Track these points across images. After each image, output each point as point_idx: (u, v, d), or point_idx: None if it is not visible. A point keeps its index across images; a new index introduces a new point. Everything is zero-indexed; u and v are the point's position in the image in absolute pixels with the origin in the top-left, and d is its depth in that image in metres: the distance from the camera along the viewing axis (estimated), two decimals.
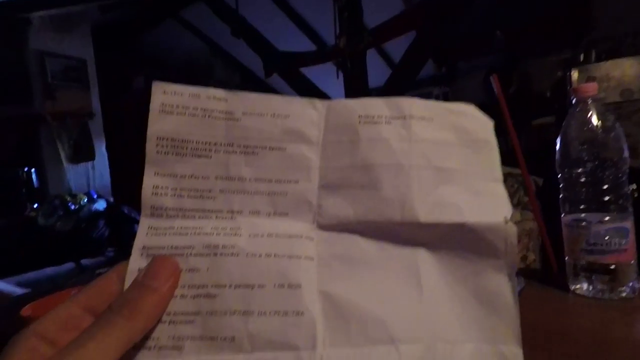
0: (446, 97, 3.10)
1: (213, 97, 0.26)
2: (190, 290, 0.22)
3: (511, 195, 1.14)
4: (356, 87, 2.24)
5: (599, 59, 2.25)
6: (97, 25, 2.59)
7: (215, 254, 0.23)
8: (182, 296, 0.22)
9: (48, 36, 2.32)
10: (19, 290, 0.81)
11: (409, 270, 0.25)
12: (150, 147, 0.25)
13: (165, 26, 2.92)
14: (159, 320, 0.21)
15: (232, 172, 0.25)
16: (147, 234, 0.23)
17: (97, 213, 1.63)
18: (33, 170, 1.86)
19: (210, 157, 0.25)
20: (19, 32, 2.21)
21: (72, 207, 1.60)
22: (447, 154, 0.27)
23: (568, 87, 2.22)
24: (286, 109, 0.27)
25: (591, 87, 0.46)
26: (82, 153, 2.35)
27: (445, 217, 0.25)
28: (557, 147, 0.49)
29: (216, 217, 0.24)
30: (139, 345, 0.20)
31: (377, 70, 2.67)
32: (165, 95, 0.25)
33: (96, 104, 2.53)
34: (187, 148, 0.25)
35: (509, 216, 0.25)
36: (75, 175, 2.32)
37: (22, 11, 2.06)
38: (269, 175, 0.25)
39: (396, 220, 0.25)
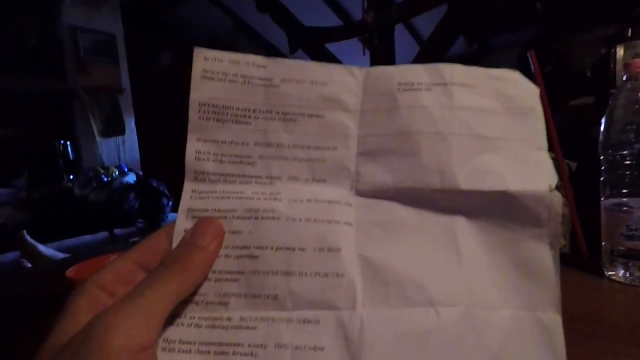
0: None
1: (252, 64, 0.26)
2: (234, 250, 0.23)
3: None
4: (383, 64, 2.18)
5: None
6: (125, 0, 2.61)
7: (257, 218, 0.24)
8: (227, 256, 0.23)
9: (79, 11, 2.36)
10: (60, 255, 0.87)
11: (447, 237, 0.25)
12: (193, 113, 0.25)
13: (191, 1, 2.91)
14: (205, 278, 0.22)
15: (270, 139, 0.25)
16: (191, 197, 0.24)
17: (128, 186, 1.69)
18: (69, 143, 1.95)
19: (250, 123, 0.25)
20: (52, 8, 2.26)
21: (105, 179, 1.67)
22: (490, 122, 0.26)
23: (611, 65, 2.08)
24: (324, 76, 0.27)
25: None
26: (113, 127, 2.43)
27: (486, 184, 0.24)
28: (602, 127, 0.47)
29: (256, 182, 0.25)
30: (188, 300, 0.22)
31: (405, 47, 2.58)
32: (206, 62, 0.26)
33: (125, 80, 2.59)
34: (227, 114, 0.25)
35: (554, 184, 0.24)
36: (106, 148, 2.41)
37: None
38: (307, 142, 0.26)
39: (435, 187, 0.25)
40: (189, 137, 0.25)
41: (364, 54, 2.38)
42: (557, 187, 0.24)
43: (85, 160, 2.27)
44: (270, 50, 3.65)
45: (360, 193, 0.26)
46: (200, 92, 0.25)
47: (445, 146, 0.25)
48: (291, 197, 0.25)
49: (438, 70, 0.27)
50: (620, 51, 2.17)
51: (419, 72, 0.27)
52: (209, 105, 0.25)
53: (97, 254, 0.55)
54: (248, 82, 0.26)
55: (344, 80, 0.27)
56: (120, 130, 2.48)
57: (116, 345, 0.16)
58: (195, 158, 0.25)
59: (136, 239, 1.22)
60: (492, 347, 0.23)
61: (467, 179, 0.25)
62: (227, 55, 0.26)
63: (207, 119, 0.25)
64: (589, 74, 2.36)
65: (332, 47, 2.85)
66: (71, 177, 1.79)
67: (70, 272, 0.47)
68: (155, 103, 2.46)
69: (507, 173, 0.25)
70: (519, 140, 0.26)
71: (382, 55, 2.23)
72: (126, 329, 0.17)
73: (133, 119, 2.61)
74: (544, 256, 0.24)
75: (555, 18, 2.32)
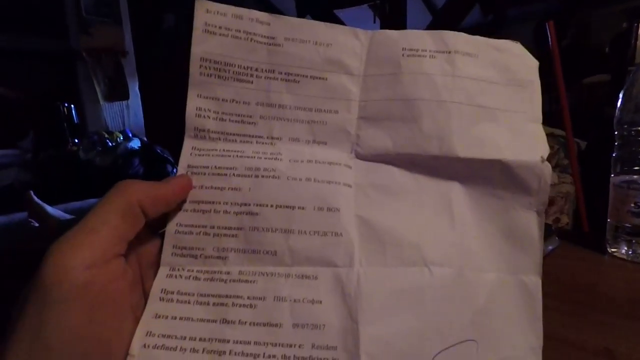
0: None
1: (256, 20, 0.26)
2: (234, 207, 0.23)
3: (550, 157, 1.09)
4: None
5: None
6: None
7: (257, 176, 0.24)
8: (225, 212, 0.23)
9: None
10: (67, 216, 0.88)
11: (442, 202, 0.25)
12: (194, 68, 0.24)
13: None
14: (204, 233, 0.22)
15: (272, 99, 0.25)
16: (191, 153, 0.24)
17: (133, 151, 1.69)
18: (73, 106, 1.93)
19: (252, 82, 0.25)
20: None
21: (110, 143, 1.67)
22: (489, 92, 0.26)
23: (632, 41, 2.00)
24: (329, 37, 0.26)
25: None
26: (117, 91, 2.40)
27: (483, 153, 0.25)
28: (619, 102, 0.45)
29: (257, 142, 0.25)
30: (186, 254, 0.22)
31: (417, 16, 2.48)
32: (209, 14, 0.25)
33: (129, 43, 2.52)
34: (229, 71, 0.25)
35: (545, 155, 0.25)
36: (110, 113, 2.39)
37: None
38: (309, 104, 0.26)
39: (434, 154, 0.25)
40: (189, 92, 0.25)
41: (374, 22, 2.29)
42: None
43: (90, 124, 2.26)
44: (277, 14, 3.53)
45: (360, 156, 0.26)
46: (202, 46, 0.25)
47: (445, 114, 0.25)
48: (292, 157, 0.25)
49: (443, 38, 0.27)
50: None
51: (424, 38, 0.27)
52: (210, 61, 0.25)
53: None
54: (251, 39, 0.25)
55: (349, 43, 0.26)
56: (124, 95, 2.45)
57: (65, 264, 0.18)
58: (196, 115, 0.25)
59: None
60: (479, 304, 0.24)
61: (465, 147, 0.25)
62: (229, 9, 0.25)
63: (208, 75, 0.25)
64: (607, 50, 2.27)
65: (341, 13, 2.75)
66: (76, 140, 1.79)
67: None
68: (160, 67, 2.41)
69: (504, 143, 0.25)
70: (516, 112, 0.26)
71: (393, 23, 2.15)
72: (72, 248, 0.19)
73: (137, 84, 2.57)
74: (530, 224, 0.25)
75: None
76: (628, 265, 0.45)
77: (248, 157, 0.25)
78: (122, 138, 1.81)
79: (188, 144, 0.25)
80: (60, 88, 2.23)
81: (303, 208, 0.24)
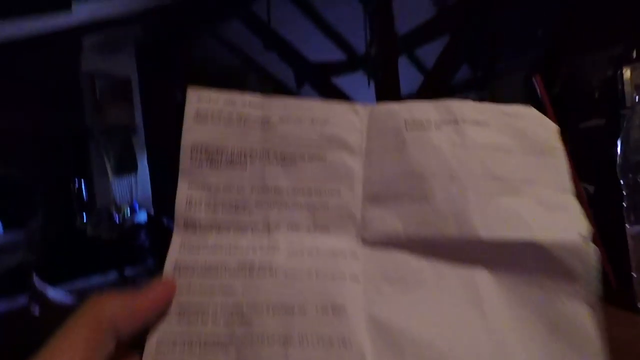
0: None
1: (249, 104, 0.25)
2: (224, 313, 0.20)
3: None
4: (388, 95, 2.21)
5: None
6: (140, 44, 2.75)
7: (251, 275, 0.21)
8: (214, 321, 0.20)
9: (97, 57, 2.49)
10: (69, 299, 0.86)
11: (468, 293, 0.22)
12: (184, 158, 0.23)
13: (202, 42, 3.05)
14: (189, 345, 0.20)
15: (268, 183, 0.23)
16: (180, 248, 0.22)
17: (139, 224, 1.70)
18: (83, 182, 1.99)
19: (246, 166, 0.24)
20: (72, 57, 2.39)
21: (117, 218, 1.68)
22: (507, 162, 0.24)
23: (619, 87, 2.06)
24: (325, 114, 0.25)
25: None
26: (126, 166, 2.48)
27: (509, 232, 0.22)
28: (619, 149, 0.45)
29: (252, 230, 0.23)
30: None
31: (409, 77, 2.62)
32: (200, 103, 0.24)
33: (139, 119, 2.67)
34: (221, 157, 0.24)
35: (585, 233, 0.21)
36: (119, 187, 2.46)
37: (75, 36, 2.23)
38: (308, 186, 0.24)
39: (452, 236, 0.22)
40: (179, 183, 0.23)
41: (369, 86, 2.42)
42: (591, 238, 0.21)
43: (99, 198, 2.31)
44: (278, 86, 3.76)
45: (367, 243, 0.23)
46: (192, 134, 0.24)
47: (459, 189, 0.23)
48: (290, 248, 0.22)
49: (447, 107, 0.25)
50: (627, 72, 2.16)
51: (427, 109, 0.25)
52: (201, 149, 0.23)
53: None
54: (244, 123, 0.24)
55: (347, 118, 0.25)
56: (133, 168, 2.53)
57: None
58: (186, 206, 0.23)
59: (144, 279, 1.21)
60: None
61: (487, 226, 0.22)
62: (222, 96, 0.25)
63: (199, 163, 0.23)
64: (597, 96, 2.34)
65: (338, 80, 2.92)
66: (84, 216, 1.81)
67: None
68: (167, 140, 2.52)
69: (532, 219, 0.22)
70: (541, 183, 0.23)
71: (387, 85, 2.26)
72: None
73: (145, 157, 2.67)
74: (582, 318, 0.21)
75: (558, 42, 2.34)
76: None
77: (242, 251, 0.22)
78: (129, 211, 1.83)
79: (177, 238, 0.22)
80: (73, 165, 2.32)
81: (304, 309, 0.20)
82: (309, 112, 0.25)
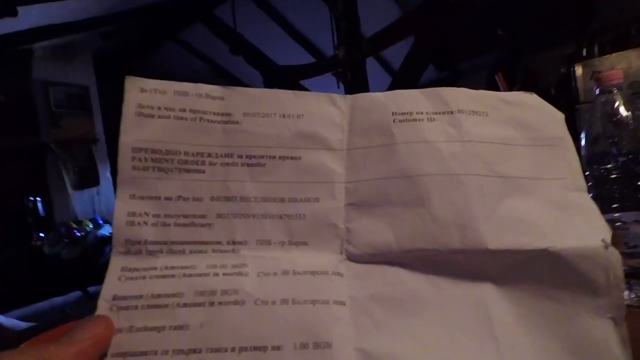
0: None
1: (206, 95, 0.20)
2: (177, 357, 0.16)
3: None
4: None
5: (603, 53, 2.21)
6: (98, 52, 2.62)
7: (212, 303, 0.17)
8: None
9: (50, 66, 2.35)
10: (23, 325, 0.78)
11: (475, 314, 0.18)
12: (124, 161, 0.19)
13: (165, 49, 2.96)
14: None
15: (232, 191, 0.20)
16: (119, 277, 0.18)
17: (103, 239, 1.61)
18: (39, 199, 1.86)
19: (204, 171, 0.20)
20: (22, 64, 2.24)
21: (78, 234, 1.58)
22: (512, 157, 0.21)
23: (572, 83, 2.17)
24: (299, 107, 0.21)
25: (616, 75, 0.42)
26: (87, 179, 2.35)
27: (521, 241, 0.19)
28: (582, 142, 0.45)
29: (213, 250, 0.19)
30: None
31: (377, 78, 2.66)
32: (144, 94, 0.20)
33: (100, 129, 2.55)
34: (172, 161, 0.19)
35: (608, 238, 0.19)
36: (80, 201, 2.32)
37: (25, 43, 2.10)
38: (281, 192, 0.20)
39: (454, 247, 0.19)
40: (118, 194, 0.19)
41: (338, 87, 2.43)
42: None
43: (58, 215, 2.17)
44: None
45: (353, 258, 0.19)
46: (134, 133, 0.20)
47: (461, 191, 0.19)
48: (261, 269, 0.18)
49: (441, 96, 0.22)
50: (578, 70, 2.28)
51: (418, 99, 0.22)
52: (147, 151, 0.19)
53: (68, 318, 0.49)
54: (200, 119, 0.20)
55: (325, 112, 0.21)
56: (95, 181, 2.40)
57: None
58: (128, 222, 0.18)
59: None
60: None
61: (494, 234, 0.19)
62: (171, 85, 0.20)
63: (144, 168, 0.19)
64: (553, 92, 2.47)
65: (307, 83, 2.91)
66: (41, 235, 1.69)
67: None
68: None
69: (546, 224, 0.19)
70: (551, 179, 0.21)
71: (356, 87, 2.28)
72: None
73: (109, 169, 2.54)
74: (607, 337, 0.18)
75: (516, 41, 2.45)
76: (633, 311, 0.42)
77: (200, 274, 0.18)
78: (92, 226, 1.73)
79: (116, 264, 0.18)
80: (28, 182, 2.17)
81: (279, 348, 0.17)
82: (279, 105, 0.21)
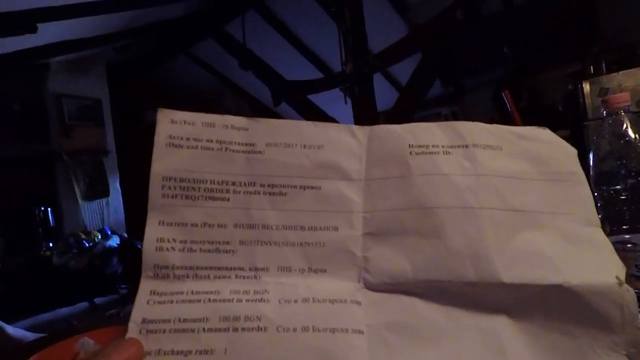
0: (455, 116, 3.08)
1: (231, 126, 0.21)
2: None
3: None
4: (365, 111, 2.25)
5: (610, 70, 2.22)
6: (111, 65, 2.69)
7: (236, 329, 0.18)
8: None
9: (65, 78, 2.41)
10: (30, 336, 0.79)
11: (489, 345, 0.19)
12: (155, 189, 0.20)
13: (177, 63, 3.02)
14: None
15: (254, 219, 0.20)
16: (148, 301, 0.19)
17: (111, 249, 1.62)
18: (49, 209, 1.88)
19: (228, 199, 0.21)
20: (39, 76, 2.30)
21: (86, 244, 1.60)
22: (525, 191, 0.21)
23: (580, 100, 2.18)
24: (319, 138, 0.22)
25: (623, 98, 0.43)
26: (97, 190, 2.38)
27: (535, 275, 0.19)
28: (591, 163, 0.46)
29: (236, 276, 0.20)
30: None
31: (384, 93, 2.68)
32: (174, 125, 0.21)
33: (110, 141, 2.59)
34: (199, 189, 0.20)
35: (622, 275, 0.19)
36: (89, 212, 2.34)
37: (42, 57, 2.16)
38: (301, 221, 0.21)
39: (469, 279, 0.19)
40: (148, 220, 0.20)
41: (345, 102, 2.45)
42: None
43: (67, 225, 2.19)
44: (255, 104, 3.76)
45: (370, 286, 0.20)
46: (164, 162, 0.20)
47: (475, 224, 0.20)
48: (282, 295, 0.19)
49: (456, 130, 0.22)
50: (586, 86, 2.29)
51: (434, 132, 0.22)
52: (175, 180, 0.20)
53: (74, 329, 0.49)
54: (226, 149, 0.21)
55: (344, 142, 0.22)
56: (105, 192, 2.43)
57: None
58: (157, 248, 0.19)
59: (113, 311, 1.14)
60: None
61: (508, 267, 0.19)
62: (199, 117, 0.21)
63: (173, 196, 0.20)
64: (560, 109, 2.47)
65: (314, 97, 2.95)
66: (50, 244, 1.71)
67: None
68: (141, 162, 2.45)
69: (559, 258, 0.20)
70: (564, 214, 0.21)
71: (363, 102, 2.30)
72: None
73: (118, 180, 2.57)
74: None
75: (521, 58, 2.47)
76: None
77: (224, 300, 0.19)
78: (100, 237, 1.74)
79: (145, 288, 0.19)
80: (38, 191, 2.20)
81: None
82: (300, 135, 0.22)
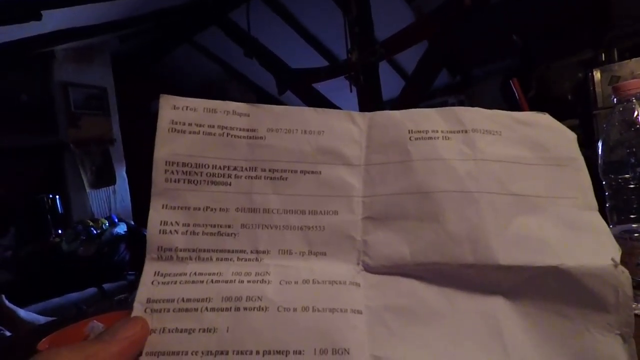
0: (462, 105, 3.04)
1: (233, 112, 0.22)
2: (206, 357, 0.17)
3: None
4: (370, 100, 2.23)
5: (622, 58, 2.16)
6: (116, 54, 2.69)
7: (238, 309, 0.18)
8: None
9: (71, 67, 2.42)
10: (42, 319, 0.81)
11: (486, 326, 0.19)
12: (158, 174, 0.21)
13: (181, 51, 3.01)
14: None
15: (256, 203, 0.21)
16: (152, 282, 0.19)
17: (118, 237, 1.64)
18: (57, 197, 1.91)
19: (230, 184, 0.21)
20: (44, 66, 2.31)
21: (94, 232, 1.62)
22: (525, 176, 0.22)
23: (591, 89, 2.14)
24: (320, 124, 0.22)
25: (634, 84, 0.42)
26: (104, 178, 2.41)
27: (532, 257, 0.19)
28: (600, 152, 0.45)
29: (238, 258, 0.20)
30: None
31: (390, 82, 2.66)
32: (176, 111, 0.22)
33: (116, 130, 2.60)
34: (201, 174, 0.21)
35: (617, 258, 0.19)
36: (97, 200, 2.38)
37: (47, 45, 2.16)
38: (302, 205, 0.21)
39: (467, 262, 0.20)
40: (152, 204, 0.20)
41: (350, 91, 2.43)
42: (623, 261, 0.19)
43: (75, 213, 2.22)
44: (260, 92, 3.75)
45: (369, 269, 0.21)
46: (167, 147, 0.21)
47: (474, 208, 0.20)
48: (283, 277, 0.20)
49: (456, 115, 0.23)
50: (597, 75, 2.25)
51: (433, 118, 0.23)
52: (178, 164, 0.21)
53: (83, 314, 0.51)
54: (227, 134, 0.21)
55: (344, 128, 0.22)
56: (111, 180, 2.45)
57: None
58: (161, 231, 0.20)
59: (122, 296, 1.16)
60: None
61: (506, 250, 0.20)
62: (201, 103, 0.22)
63: (175, 180, 0.21)
64: (570, 98, 2.43)
65: (320, 86, 2.93)
66: (59, 231, 1.74)
67: (43, 344, 0.43)
68: (146, 150, 2.46)
69: (556, 242, 0.20)
70: (563, 199, 0.21)
71: (369, 91, 2.28)
72: None
73: (124, 168, 2.59)
74: (615, 352, 0.19)
75: (531, 47, 2.42)
76: None
77: (226, 281, 0.19)
78: (107, 224, 1.77)
79: (149, 269, 0.20)
80: (47, 180, 2.23)
81: (300, 352, 0.18)
82: (301, 121, 0.22)
